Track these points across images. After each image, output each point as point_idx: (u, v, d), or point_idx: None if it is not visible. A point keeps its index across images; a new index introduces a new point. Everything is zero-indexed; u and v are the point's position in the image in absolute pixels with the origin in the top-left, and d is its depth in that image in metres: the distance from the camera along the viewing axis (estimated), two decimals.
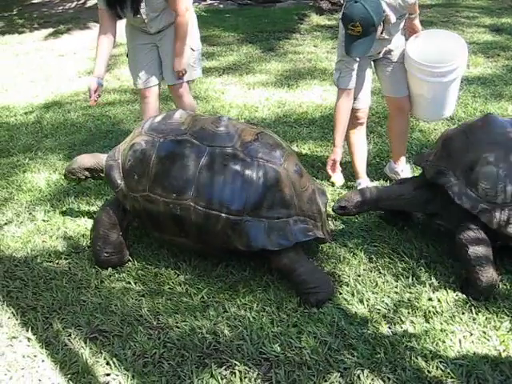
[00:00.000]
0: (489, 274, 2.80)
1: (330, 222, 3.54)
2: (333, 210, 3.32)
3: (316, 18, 9.70)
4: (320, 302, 2.85)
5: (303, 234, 2.91)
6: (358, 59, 3.50)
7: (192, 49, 4.06)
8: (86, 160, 3.48)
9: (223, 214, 2.85)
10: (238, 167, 2.86)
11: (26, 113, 5.92)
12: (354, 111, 3.75)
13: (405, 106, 3.81)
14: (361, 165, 3.96)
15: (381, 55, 3.66)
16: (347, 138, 3.91)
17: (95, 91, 3.84)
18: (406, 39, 3.65)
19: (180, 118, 3.08)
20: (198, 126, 3.00)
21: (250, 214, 2.85)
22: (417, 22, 3.61)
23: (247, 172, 2.86)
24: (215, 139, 2.93)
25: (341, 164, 3.76)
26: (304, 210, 2.96)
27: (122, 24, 4.08)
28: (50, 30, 10.08)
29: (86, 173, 3.48)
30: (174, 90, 4.18)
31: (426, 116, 4.01)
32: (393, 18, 3.38)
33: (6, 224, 3.72)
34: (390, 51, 3.64)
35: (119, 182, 3.11)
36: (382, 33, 3.42)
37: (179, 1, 3.73)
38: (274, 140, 3.06)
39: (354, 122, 3.82)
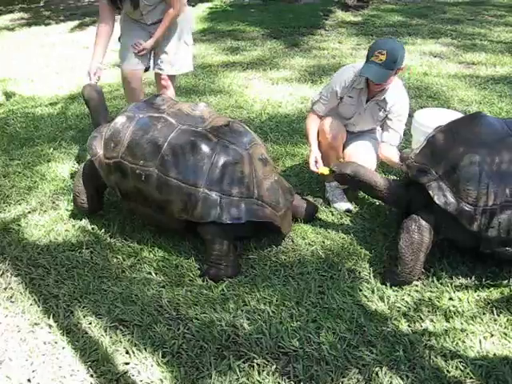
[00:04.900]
0: (411, 265, 2.86)
1: (349, 220, 3.54)
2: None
3: (341, 14, 9.68)
4: (217, 277, 3.02)
5: (255, 214, 3.04)
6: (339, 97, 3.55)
7: (186, 43, 4.26)
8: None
9: (182, 184, 3.00)
10: (203, 144, 3.03)
11: (51, 103, 5.97)
12: None
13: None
14: None
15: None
16: None
17: (95, 73, 4.06)
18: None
19: (162, 101, 3.34)
20: (176, 108, 3.25)
21: (207, 188, 2.99)
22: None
23: (211, 149, 3.02)
24: (189, 120, 3.15)
25: None
26: (263, 195, 3.09)
27: None
28: (76, 22, 10.18)
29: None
30: (162, 80, 4.38)
31: None
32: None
33: (29, 212, 3.77)
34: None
35: (98, 150, 3.33)
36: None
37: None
38: (245, 130, 3.25)
39: None
